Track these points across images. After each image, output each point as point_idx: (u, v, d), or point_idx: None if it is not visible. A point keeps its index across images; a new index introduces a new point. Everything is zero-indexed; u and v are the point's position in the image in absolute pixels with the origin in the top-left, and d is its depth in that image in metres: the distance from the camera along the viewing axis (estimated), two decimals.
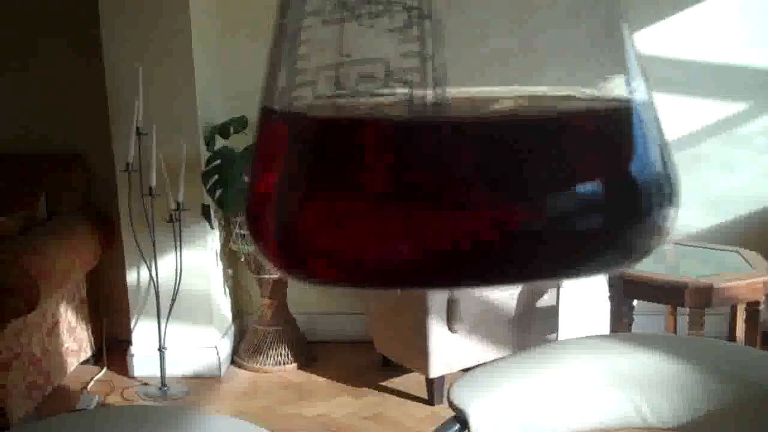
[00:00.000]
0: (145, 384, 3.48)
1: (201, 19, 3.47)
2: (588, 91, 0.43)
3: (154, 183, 3.26)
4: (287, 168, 0.44)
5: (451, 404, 1.53)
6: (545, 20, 0.44)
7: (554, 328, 3.39)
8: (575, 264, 0.43)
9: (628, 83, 0.44)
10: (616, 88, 0.44)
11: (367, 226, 0.41)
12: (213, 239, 3.56)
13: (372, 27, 0.43)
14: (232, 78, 3.73)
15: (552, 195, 0.41)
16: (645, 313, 3.38)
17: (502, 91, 0.43)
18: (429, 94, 0.41)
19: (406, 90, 0.41)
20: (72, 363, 3.48)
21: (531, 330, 3.33)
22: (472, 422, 1.49)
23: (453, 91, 0.41)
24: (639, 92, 0.44)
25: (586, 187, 0.42)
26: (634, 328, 3.16)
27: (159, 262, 3.42)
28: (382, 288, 0.47)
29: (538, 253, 0.42)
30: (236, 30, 3.71)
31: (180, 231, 3.36)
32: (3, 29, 3.78)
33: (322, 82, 0.44)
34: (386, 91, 0.42)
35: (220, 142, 3.47)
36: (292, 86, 0.45)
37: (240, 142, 3.47)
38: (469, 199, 0.40)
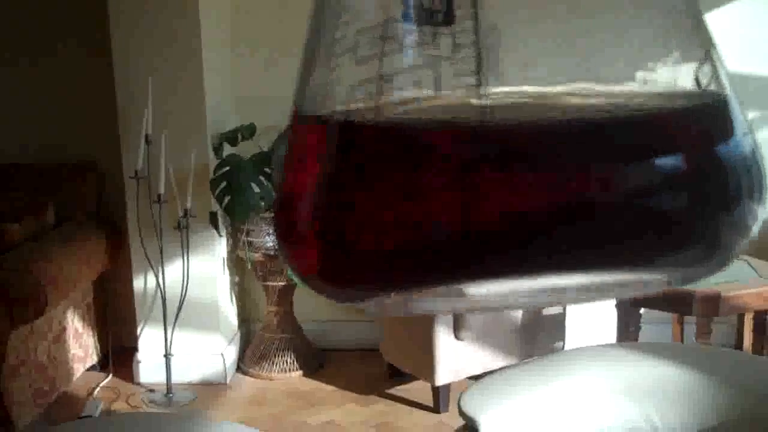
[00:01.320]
0: (151, 391, 3.48)
1: (211, 27, 3.47)
2: (664, 86, 0.43)
3: (162, 190, 3.27)
4: (330, 172, 0.43)
5: (462, 413, 1.53)
6: (624, 12, 0.43)
7: (561, 337, 3.39)
8: (663, 256, 0.42)
9: (699, 74, 0.43)
10: (688, 80, 0.43)
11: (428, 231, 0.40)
12: (220, 246, 3.56)
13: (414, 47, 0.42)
14: (241, 86, 3.74)
15: (645, 187, 0.40)
16: (652, 321, 3.38)
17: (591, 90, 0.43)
18: (483, 97, 0.40)
19: (458, 94, 0.41)
20: (78, 369, 3.48)
21: (538, 338, 3.33)
22: (483, 431, 1.49)
23: (528, 90, 0.41)
24: (718, 82, 0.44)
25: (678, 177, 0.41)
26: (641, 337, 3.16)
27: (166, 269, 3.42)
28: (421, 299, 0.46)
29: (635, 240, 0.41)
30: (246, 38, 3.72)
31: (187, 238, 3.37)
32: (15, 39, 3.79)
33: (365, 90, 0.43)
34: (435, 95, 0.41)
35: (228, 150, 3.48)
36: (332, 92, 0.44)
37: (248, 149, 3.47)
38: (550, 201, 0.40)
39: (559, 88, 0.42)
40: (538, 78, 0.43)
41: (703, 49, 0.44)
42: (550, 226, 0.40)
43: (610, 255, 0.42)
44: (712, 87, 0.43)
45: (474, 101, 0.41)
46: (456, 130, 0.41)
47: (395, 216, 0.41)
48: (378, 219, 0.42)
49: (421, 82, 0.42)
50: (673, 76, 0.43)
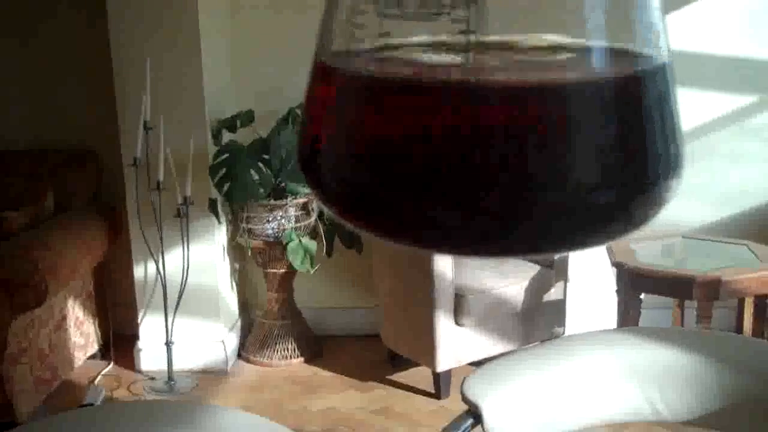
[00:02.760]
0: (152, 378, 3.49)
1: (209, 13, 3.46)
2: (605, 43, 0.42)
3: (161, 177, 3.26)
4: (341, 115, 0.45)
5: (464, 398, 1.53)
6: None
7: (561, 322, 3.39)
8: (574, 236, 0.43)
9: (648, 41, 0.43)
10: (636, 44, 0.43)
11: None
12: (220, 233, 3.56)
13: None
14: (240, 72, 3.73)
15: (563, 162, 0.40)
16: (652, 306, 3.38)
17: (522, 39, 0.43)
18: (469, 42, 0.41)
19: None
20: (79, 357, 3.48)
21: (538, 324, 3.33)
22: (486, 416, 1.49)
23: (485, 39, 0.41)
24: (660, 52, 0.44)
25: (598, 156, 0.41)
26: (642, 322, 3.16)
27: (166, 257, 3.42)
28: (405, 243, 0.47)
29: (543, 222, 0.41)
30: (245, 25, 3.71)
31: (187, 225, 3.36)
32: (10, 27, 3.78)
33: (372, 36, 0.45)
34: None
35: (227, 137, 3.47)
36: (346, 36, 0.46)
37: (247, 136, 3.47)
38: (491, 166, 0.40)
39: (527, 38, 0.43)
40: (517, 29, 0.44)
41: (652, 11, 0.45)
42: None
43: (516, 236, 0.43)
44: (649, 52, 0.44)
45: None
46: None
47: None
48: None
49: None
50: (620, 40, 0.43)
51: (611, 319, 3.26)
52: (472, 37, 0.41)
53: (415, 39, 0.44)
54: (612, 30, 0.42)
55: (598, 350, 1.64)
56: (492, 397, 1.51)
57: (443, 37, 0.42)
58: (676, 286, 2.97)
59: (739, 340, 1.92)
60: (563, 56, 0.43)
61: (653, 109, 0.43)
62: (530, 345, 3.17)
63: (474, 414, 1.50)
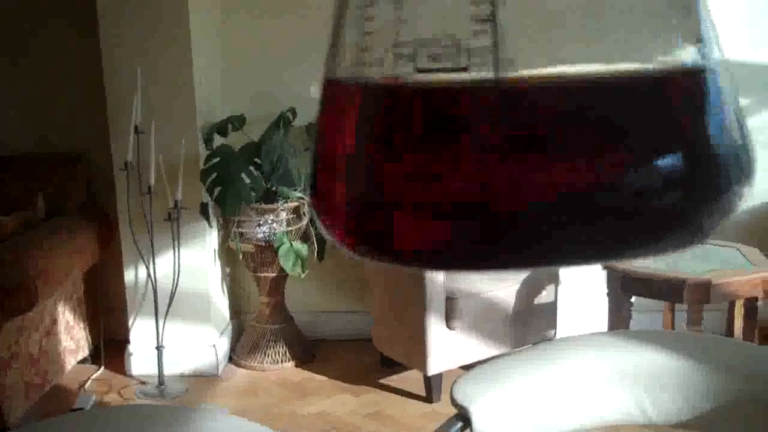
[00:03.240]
0: (143, 383, 3.48)
1: (200, 17, 3.46)
2: (659, 59, 0.41)
3: (152, 182, 3.26)
4: (367, 138, 0.42)
5: (453, 402, 1.53)
6: None
7: (553, 325, 3.39)
8: (640, 243, 0.41)
9: (700, 48, 0.42)
10: (688, 53, 0.42)
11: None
12: (211, 238, 3.56)
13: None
14: (232, 76, 3.73)
15: (625, 167, 0.39)
16: (643, 309, 3.39)
17: (569, 69, 0.41)
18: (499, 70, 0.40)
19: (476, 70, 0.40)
20: (69, 362, 3.47)
21: (530, 327, 3.33)
22: (475, 420, 1.49)
23: (522, 72, 0.39)
24: (713, 56, 0.42)
25: (662, 161, 0.39)
26: (633, 325, 3.17)
27: (157, 261, 3.41)
28: (455, 270, 0.46)
29: (607, 229, 0.40)
30: (236, 29, 3.71)
31: (178, 229, 3.36)
32: (2, 33, 3.77)
33: (390, 60, 0.42)
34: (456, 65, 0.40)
35: (218, 141, 3.47)
36: (359, 63, 0.44)
37: (239, 140, 3.47)
38: (546, 172, 0.39)
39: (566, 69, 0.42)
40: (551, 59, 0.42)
41: (700, 24, 0.44)
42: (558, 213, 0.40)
43: (595, 243, 0.41)
44: (705, 63, 0.43)
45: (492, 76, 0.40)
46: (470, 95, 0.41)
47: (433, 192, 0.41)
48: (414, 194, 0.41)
49: (443, 50, 0.42)
50: (669, 49, 0.42)
51: (602, 322, 3.27)
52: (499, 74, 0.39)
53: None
54: (663, 34, 0.42)
55: (588, 353, 1.64)
56: (481, 400, 1.51)
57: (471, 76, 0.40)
58: (666, 289, 2.97)
59: (728, 343, 1.92)
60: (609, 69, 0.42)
61: (717, 111, 0.42)
62: (521, 348, 3.18)
63: (463, 417, 1.50)
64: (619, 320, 3.11)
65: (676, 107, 0.41)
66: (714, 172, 0.41)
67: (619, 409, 1.59)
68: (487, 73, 0.39)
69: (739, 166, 0.42)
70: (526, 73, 0.40)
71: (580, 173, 0.39)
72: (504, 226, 0.39)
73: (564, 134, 0.39)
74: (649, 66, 0.41)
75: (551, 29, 0.41)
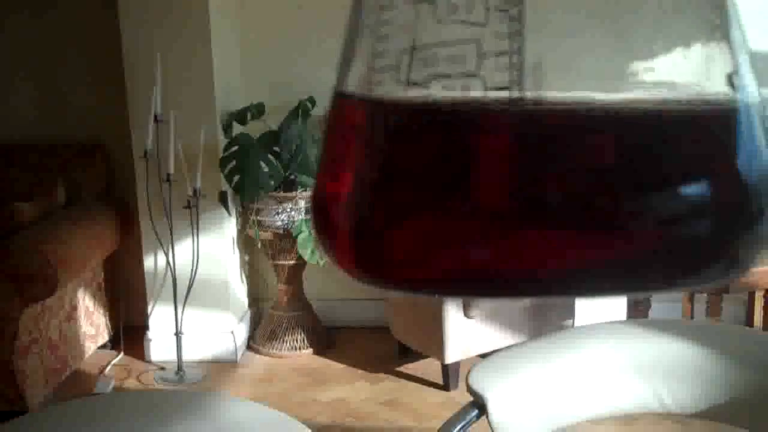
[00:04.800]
0: (162, 368, 3.50)
1: (219, 6, 3.46)
2: (691, 90, 0.40)
3: (172, 170, 3.27)
4: (370, 160, 0.40)
5: (469, 389, 1.53)
6: (640, 8, 0.39)
7: (570, 315, 3.38)
8: (675, 278, 0.39)
9: (733, 78, 0.40)
10: (719, 84, 0.40)
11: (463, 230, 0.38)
12: (230, 225, 3.57)
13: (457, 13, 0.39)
14: (251, 65, 3.73)
15: (656, 202, 0.37)
16: (662, 299, 3.37)
17: (594, 95, 0.39)
18: (525, 89, 0.38)
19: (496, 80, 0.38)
20: (89, 348, 3.50)
21: (547, 316, 3.33)
22: (491, 407, 1.49)
23: (546, 95, 0.38)
24: (747, 88, 0.40)
25: (692, 192, 0.38)
26: (651, 315, 3.16)
27: (176, 248, 3.43)
28: (464, 296, 0.45)
29: (638, 265, 0.38)
30: (256, 16, 3.71)
31: (197, 217, 3.37)
32: (20, 23, 3.79)
33: (405, 66, 0.40)
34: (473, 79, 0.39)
35: (237, 129, 3.48)
36: (371, 70, 0.41)
37: (258, 128, 3.47)
38: (578, 211, 0.37)
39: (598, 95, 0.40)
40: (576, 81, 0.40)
41: (736, 52, 0.42)
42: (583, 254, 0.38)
43: (623, 278, 0.39)
44: (741, 94, 0.41)
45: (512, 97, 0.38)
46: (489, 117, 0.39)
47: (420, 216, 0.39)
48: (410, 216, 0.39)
49: (464, 57, 0.40)
50: (702, 80, 0.41)
51: (621, 312, 3.26)
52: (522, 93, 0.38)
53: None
54: (695, 57, 0.40)
55: (605, 342, 1.63)
56: (497, 388, 1.51)
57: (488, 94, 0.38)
58: None
59: (747, 333, 1.91)
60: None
61: (749, 142, 0.40)
62: (538, 337, 3.17)
63: (479, 405, 1.50)
64: (637, 310, 3.11)
65: (705, 139, 0.39)
66: (744, 201, 0.39)
67: (635, 398, 1.59)
68: (501, 93, 0.37)
69: None
70: (545, 94, 0.38)
71: (607, 204, 0.37)
72: (522, 256, 0.38)
73: (588, 166, 0.37)
74: (679, 93, 0.39)
75: (574, 39, 0.39)
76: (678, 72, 0.40)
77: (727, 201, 0.38)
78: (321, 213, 0.43)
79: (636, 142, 0.38)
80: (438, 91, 0.39)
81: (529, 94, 0.37)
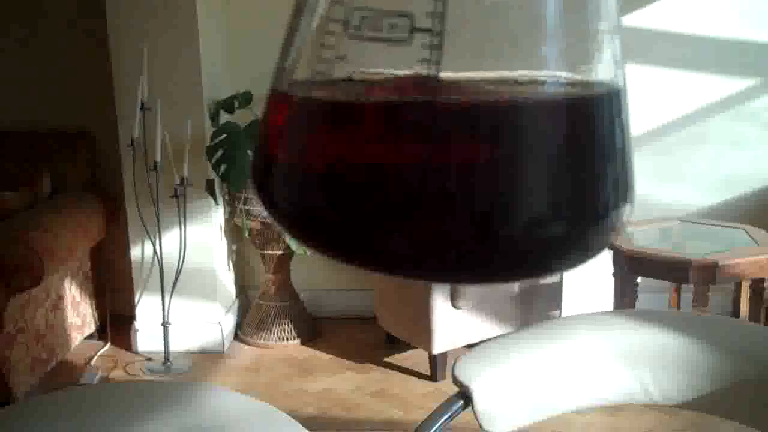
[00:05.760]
0: (149, 359, 3.49)
1: None
2: (560, 74, 0.40)
3: (159, 158, 3.26)
4: (290, 144, 0.43)
5: (455, 380, 1.53)
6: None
7: (558, 305, 3.39)
8: (525, 267, 0.41)
9: (598, 66, 0.41)
10: (588, 71, 0.41)
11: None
12: (217, 214, 3.56)
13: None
14: (238, 53, 3.72)
15: (514, 192, 0.38)
16: (649, 290, 3.38)
17: (485, 75, 0.41)
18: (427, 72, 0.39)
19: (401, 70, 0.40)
20: (76, 338, 3.48)
21: (534, 307, 3.33)
22: (476, 398, 1.49)
23: (443, 75, 0.39)
24: (610, 77, 0.41)
25: (549, 186, 0.39)
26: (638, 305, 3.16)
27: (163, 238, 3.42)
28: (365, 268, 0.46)
29: (492, 254, 0.39)
30: (243, 5, 3.69)
31: (184, 206, 3.36)
32: (7, 5, 3.76)
33: (321, 54, 0.43)
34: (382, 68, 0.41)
35: (225, 117, 3.46)
36: (296, 61, 0.44)
37: (245, 117, 3.46)
38: (446, 196, 0.38)
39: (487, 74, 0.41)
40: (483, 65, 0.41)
41: (605, 35, 0.42)
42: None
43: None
44: (604, 77, 0.41)
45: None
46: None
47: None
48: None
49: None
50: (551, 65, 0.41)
51: (608, 303, 3.26)
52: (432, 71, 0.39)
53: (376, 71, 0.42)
54: (562, 58, 0.40)
55: (590, 332, 1.64)
56: (483, 378, 1.51)
57: (404, 71, 0.40)
58: (672, 270, 2.96)
59: (732, 324, 1.92)
60: (515, 86, 0.41)
61: (605, 135, 0.41)
62: (524, 327, 3.18)
63: (465, 396, 1.50)
64: (624, 301, 3.11)
65: (563, 132, 0.40)
66: (595, 199, 0.41)
67: (620, 388, 1.59)
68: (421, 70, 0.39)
69: (619, 192, 0.41)
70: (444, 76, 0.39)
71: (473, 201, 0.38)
72: (392, 232, 0.40)
73: (462, 151, 0.39)
74: (542, 79, 0.40)
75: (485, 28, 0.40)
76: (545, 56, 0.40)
77: (582, 196, 0.40)
78: (257, 176, 0.46)
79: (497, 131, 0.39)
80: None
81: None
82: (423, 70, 0.38)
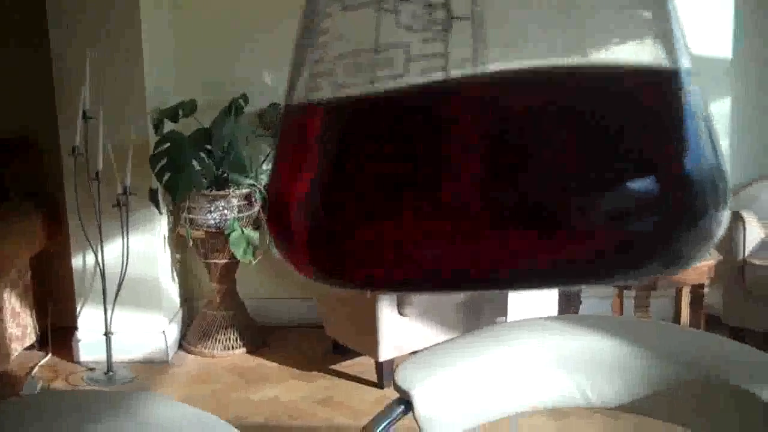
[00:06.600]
0: (91, 369, 3.44)
1: (153, 2, 3.42)
2: (631, 63, 0.39)
3: (101, 167, 3.22)
4: (315, 164, 0.40)
5: (395, 386, 1.54)
6: None
7: (504, 312, 3.41)
8: (612, 271, 0.39)
9: (672, 55, 0.40)
10: (661, 60, 0.39)
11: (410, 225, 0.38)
12: (161, 224, 3.52)
13: (394, 14, 0.39)
14: (184, 62, 3.69)
15: (598, 190, 0.36)
16: (593, 296, 3.42)
17: (540, 65, 0.39)
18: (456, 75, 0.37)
19: (424, 78, 0.37)
20: (16, 349, 3.42)
21: (481, 314, 3.35)
22: (416, 403, 1.49)
23: (491, 68, 0.37)
24: (686, 75, 0.40)
25: (637, 186, 0.37)
26: (582, 311, 3.20)
27: (106, 247, 3.38)
28: (421, 292, 0.44)
29: (577, 257, 0.37)
30: (189, 15, 3.67)
31: (127, 216, 3.32)
32: None
33: (341, 71, 0.40)
34: (405, 78, 0.38)
35: (168, 126, 3.43)
36: (312, 77, 0.41)
37: (190, 127, 3.43)
38: (515, 199, 0.36)
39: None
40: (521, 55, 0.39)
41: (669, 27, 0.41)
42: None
43: (561, 271, 0.39)
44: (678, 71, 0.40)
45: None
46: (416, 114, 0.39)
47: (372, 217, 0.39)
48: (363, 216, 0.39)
49: (393, 60, 0.39)
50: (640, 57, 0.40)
51: (553, 309, 3.29)
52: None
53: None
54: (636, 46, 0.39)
55: (530, 337, 1.65)
56: (423, 384, 1.51)
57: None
58: None
59: (671, 329, 1.95)
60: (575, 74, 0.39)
61: (691, 123, 0.39)
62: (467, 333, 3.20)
63: (405, 401, 1.50)
64: (568, 306, 3.15)
65: (650, 127, 0.38)
66: (690, 197, 0.38)
67: (559, 392, 1.61)
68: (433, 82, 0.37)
69: (715, 191, 0.39)
70: (485, 70, 0.37)
71: (552, 199, 0.36)
72: (470, 250, 0.37)
73: (533, 159, 0.37)
74: (625, 88, 0.39)
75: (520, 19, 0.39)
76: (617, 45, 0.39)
77: (669, 190, 0.38)
78: (277, 218, 0.42)
79: (582, 134, 0.37)
80: (369, 89, 0.39)
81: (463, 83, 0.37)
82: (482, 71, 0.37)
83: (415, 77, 0.38)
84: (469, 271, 0.38)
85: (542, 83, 0.38)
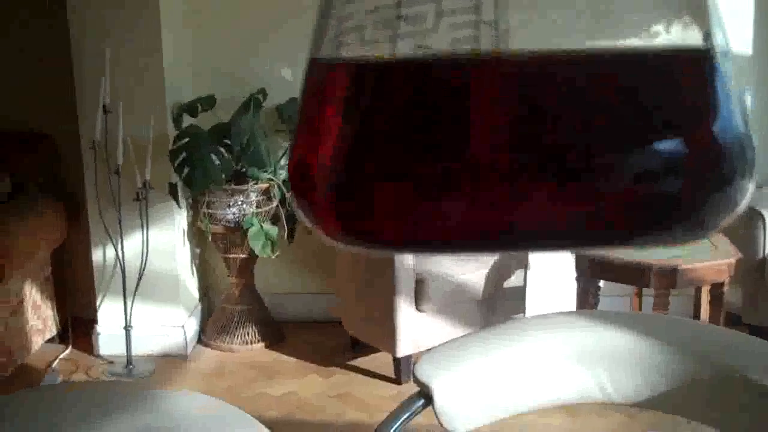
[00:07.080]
0: (111, 362, 3.46)
1: None
2: (664, 38, 0.39)
3: (120, 161, 3.23)
4: (342, 122, 0.40)
5: (415, 380, 1.54)
6: None
7: (521, 309, 3.41)
8: (637, 233, 0.39)
9: (707, 30, 0.40)
10: (694, 35, 0.40)
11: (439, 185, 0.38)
12: (180, 218, 3.54)
13: None
14: (201, 56, 3.70)
15: (627, 153, 0.37)
16: (611, 294, 3.41)
17: (568, 44, 0.39)
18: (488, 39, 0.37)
19: (458, 34, 0.38)
20: (36, 342, 3.45)
21: (498, 310, 3.35)
22: (436, 397, 1.50)
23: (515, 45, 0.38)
24: (718, 40, 0.40)
25: (665, 145, 0.37)
26: (600, 309, 3.19)
27: (125, 241, 3.39)
28: (444, 252, 0.44)
29: (605, 217, 0.38)
30: (206, 7, 3.68)
31: (146, 210, 3.34)
32: None
33: (370, 26, 0.40)
34: (434, 35, 0.38)
35: (188, 121, 3.45)
36: (340, 32, 0.41)
37: (208, 121, 3.44)
38: (544, 157, 0.37)
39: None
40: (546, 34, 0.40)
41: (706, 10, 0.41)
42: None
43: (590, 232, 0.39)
44: (711, 45, 0.40)
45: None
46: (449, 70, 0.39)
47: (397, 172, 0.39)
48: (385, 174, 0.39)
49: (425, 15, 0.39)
50: (677, 38, 0.40)
51: (570, 307, 3.29)
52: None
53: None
54: (669, 14, 0.40)
55: (549, 333, 1.65)
56: (443, 378, 1.52)
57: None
58: (633, 274, 2.99)
59: (690, 325, 1.94)
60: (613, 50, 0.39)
61: (723, 95, 0.40)
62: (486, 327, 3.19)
63: (425, 395, 1.50)
64: (586, 304, 3.14)
65: (681, 87, 0.39)
66: (718, 160, 0.39)
67: (578, 388, 1.60)
68: (475, 46, 0.37)
69: (743, 157, 0.39)
70: (520, 47, 0.38)
71: (580, 155, 0.37)
72: (500, 206, 0.38)
73: (563, 115, 0.37)
74: (654, 45, 0.39)
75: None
76: (650, 19, 0.39)
77: (698, 154, 0.38)
78: (301, 179, 0.42)
79: (612, 92, 0.38)
80: (400, 48, 0.39)
81: (496, 47, 0.38)
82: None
83: (444, 33, 0.38)
84: (497, 225, 0.38)
85: (575, 50, 0.39)
